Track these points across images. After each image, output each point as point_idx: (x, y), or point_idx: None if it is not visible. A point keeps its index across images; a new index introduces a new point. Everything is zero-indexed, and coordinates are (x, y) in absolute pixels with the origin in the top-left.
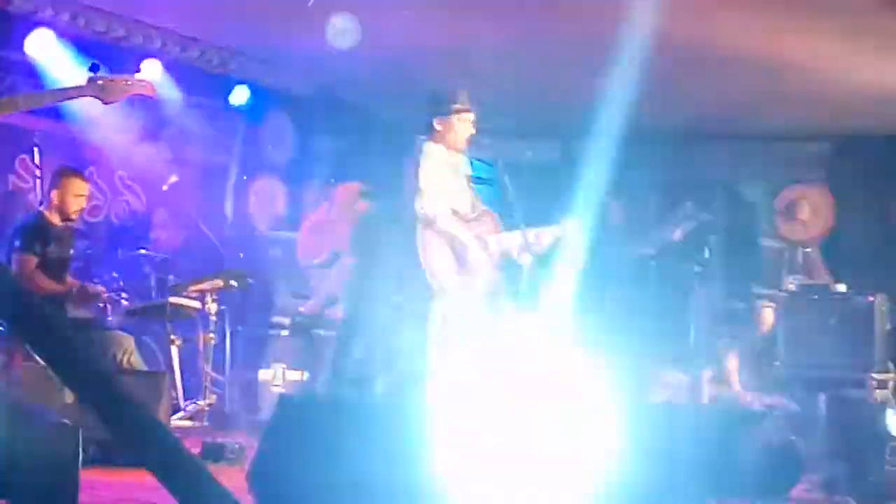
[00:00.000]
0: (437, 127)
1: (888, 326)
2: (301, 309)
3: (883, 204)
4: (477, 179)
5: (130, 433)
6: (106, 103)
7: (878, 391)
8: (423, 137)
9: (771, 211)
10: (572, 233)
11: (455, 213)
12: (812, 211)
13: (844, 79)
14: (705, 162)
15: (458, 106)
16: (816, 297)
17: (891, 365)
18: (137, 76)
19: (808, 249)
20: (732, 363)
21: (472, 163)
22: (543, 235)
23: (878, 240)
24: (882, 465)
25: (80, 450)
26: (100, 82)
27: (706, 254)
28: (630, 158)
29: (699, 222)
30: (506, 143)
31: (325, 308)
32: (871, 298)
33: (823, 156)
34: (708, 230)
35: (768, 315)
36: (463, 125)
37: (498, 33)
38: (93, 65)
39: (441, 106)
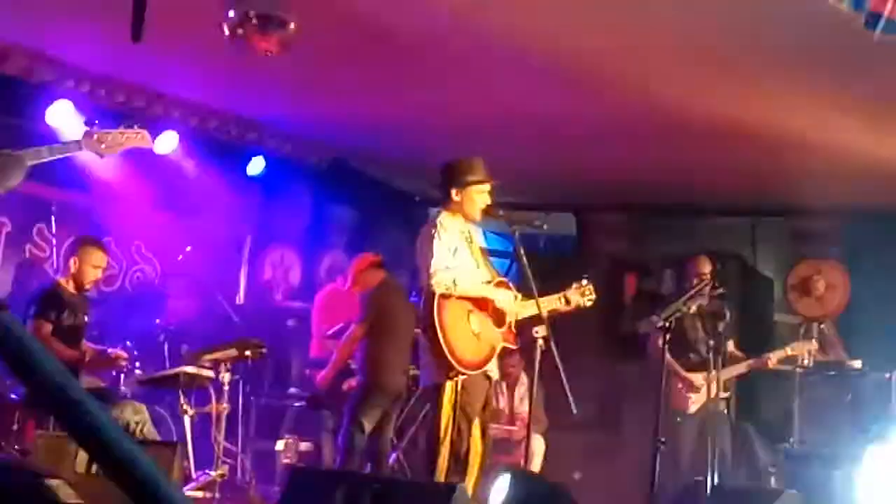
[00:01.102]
0: (455, 197)
1: None
2: (315, 380)
3: None
4: (493, 252)
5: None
6: (102, 156)
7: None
8: (437, 209)
9: (785, 286)
10: (588, 296)
11: None
12: (827, 286)
13: (860, 154)
14: (720, 235)
15: (475, 177)
16: (832, 373)
17: None
18: (134, 129)
19: (822, 325)
20: None
21: (486, 235)
22: (565, 299)
23: (894, 315)
24: None
25: None
26: (95, 136)
27: (720, 328)
28: (644, 231)
29: (713, 295)
30: (521, 215)
31: (340, 378)
32: (888, 376)
33: (838, 230)
34: (722, 303)
35: None
36: (480, 196)
37: (510, 107)
38: (87, 120)
39: (458, 176)
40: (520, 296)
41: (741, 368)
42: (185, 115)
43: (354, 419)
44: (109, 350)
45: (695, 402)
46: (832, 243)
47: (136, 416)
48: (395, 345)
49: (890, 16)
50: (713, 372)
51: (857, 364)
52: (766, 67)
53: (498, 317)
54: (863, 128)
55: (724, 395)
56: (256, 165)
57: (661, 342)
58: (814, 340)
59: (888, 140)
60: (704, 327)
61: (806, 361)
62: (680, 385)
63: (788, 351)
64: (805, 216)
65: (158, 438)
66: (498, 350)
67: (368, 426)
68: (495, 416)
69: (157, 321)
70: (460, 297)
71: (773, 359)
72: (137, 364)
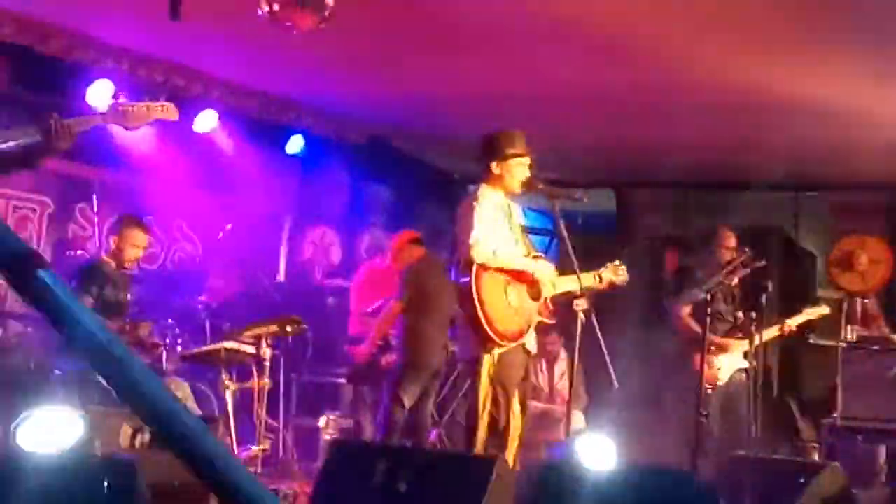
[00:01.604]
0: (495, 171)
1: None
2: (354, 356)
3: None
4: (532, 230)
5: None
6: (129, 129)
7: None
8: (474, 186)
9: (827, 261)
10: (623, 274)
11: None
12: (870, 261)
13: None
14: (763, 210)
15: (515, 150)
16: (876, 347)
17: None
18: (160, 101)
19: (866, 300)
20: None
21: (525, 213)
22: (599, 277)
23: None
24: None
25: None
26: (121, 108)
27: (763, 300)
28: (684, 207)
29: (755, 268)
30: (560, 189)
31: (379, 354)
32: None
33: (882, 205)
34: (764, 277)
35: None
36: (520, 168)
37: (549, 82)
38: (115, 93)
39: (498, 149)
40: (556, 273)
41: (765, 336)
42: (225, 94)
43: (394, 395)
44: (141, 325)
45: (722, 376)
46: (876, 217)
47: (179, 393)
48: (435, 321)
49: None
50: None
51: None
52: (809, 39)
53: (535, 291)
54: None
55: (743, 365)
56: (295, 144)
57: (686, 314)
58: (823, 305)
59: None
60: (734, 300)
61: (849, 336)
62: (713, 357)
63: (805, 316)
64: (848, 190)
65: (200, 414)
66: (534, 324)
67: (408, 402)
68: (535, 393)
69: (199, 299)
70: (498, 270)
71: (790, 324)
72: (179, 341)
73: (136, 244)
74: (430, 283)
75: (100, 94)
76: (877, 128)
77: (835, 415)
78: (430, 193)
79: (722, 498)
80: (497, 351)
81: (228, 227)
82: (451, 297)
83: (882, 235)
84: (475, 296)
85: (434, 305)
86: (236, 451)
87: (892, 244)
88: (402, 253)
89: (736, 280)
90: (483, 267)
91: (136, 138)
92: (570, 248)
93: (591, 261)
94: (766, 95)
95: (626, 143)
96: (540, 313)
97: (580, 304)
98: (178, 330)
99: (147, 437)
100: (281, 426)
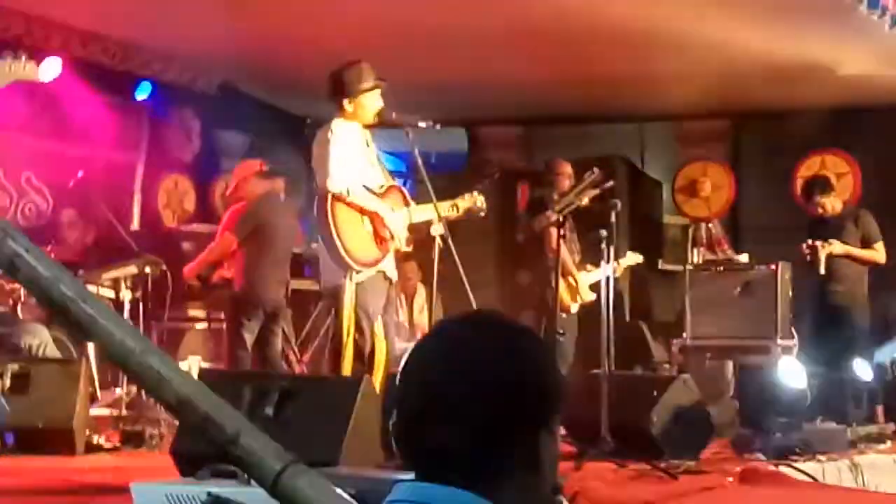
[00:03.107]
0: (347, 107)
1: (791, 294)
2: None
3: (782, 177)
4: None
5: None
6: None
7: (783, 356)
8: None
9: (673, 188)
10: (480, 204)
11: (365, 187)
12: (713, 187)
13: (742, 56)
14: (608, 141)
15: (365, 84)
16: (721, 268)
17: (794, 331)
18: (22, 60)
19: (710, 224)
20: None
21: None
22: (457, 205)
23: (778, 212)
24: (791, 424)
25: None
26: None
27: (612, 218)
28: (534, 142)
29: (604, 189)
30: (413, 118)
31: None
32: (773, 267)
33: (723, 132)
34: (612, 197)
35: None
36: (371, 101)
37: (395, 20)
38: None
39: (348, 86)
40: (413, 203)
41: (595, 276)
42: (67, 40)
43: (234, 333)
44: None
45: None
46: (717, 145)
47: (36, 339)
48: (272, 257)
49: None
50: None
51: (744, 258)
52: None
53: (387, 231)
54: (749, 28)
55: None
56: (144, 91)
57: (555, 236)
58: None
59: (774, 41)
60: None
61: (695, 260)
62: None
63: (626, 262)
64: (690, 119)
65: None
66: (392, 249)
67: (249, 339)
68: (397, 329)
69: (50, 250)
70: (350, 205)
71: (621, 266)
72: None
73: None
74: (271, 219)
75: None
76: (718, 57)
77: (684, 335)
78: (284, 139)
79: (580, 412)
80: (357, 277)
81: (80, 174)
82: (292, 234)
83: (724, 162)
84: (331, 223)
85: (272, 242)
86: (99, 396)
87: (733, 170)
88: (246, 184)
89: (586, 200)
90: (337, 197)
91: None
92: (425, 177)
93: (445, 199)
94: (606, 28)
95: (475, 80)
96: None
97: (437, 229)
98: None
99: (8, 381)
100: None
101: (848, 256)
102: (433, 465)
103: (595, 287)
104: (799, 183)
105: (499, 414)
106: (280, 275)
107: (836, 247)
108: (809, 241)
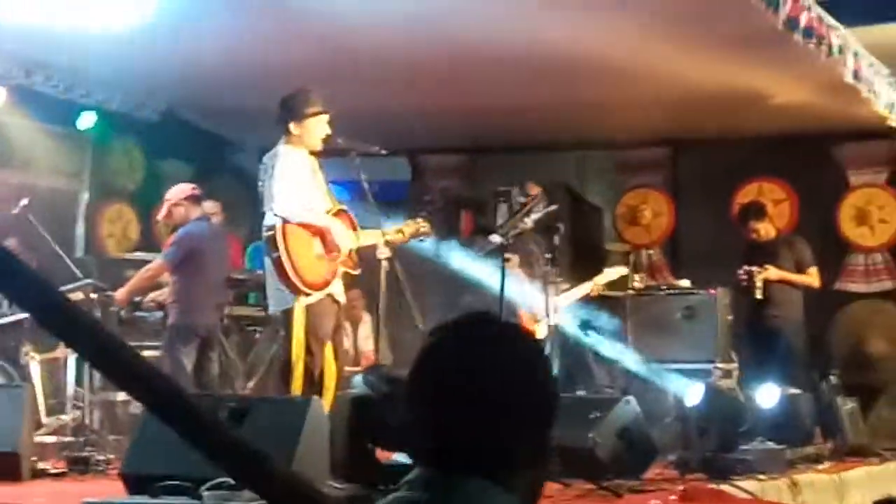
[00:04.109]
0: (294, 131)
1: (730, 318)
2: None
3: (720, 203)
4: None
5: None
6: None
7: (722, 380)
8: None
9: (614, 215)
10: (425, 228)
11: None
12: (653, 214)
13: (681, 84)
14: (548, 169)
15: (312, 109)
16: (661, 292)
17: (733, 355)
18: None
19: (650, 251)
20: None
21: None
22: (402, 230)
23: (718, 238)
24: (731, 445)
25: None
26: None
27: (556, 241)
28: (476, 170)
29: (548, 212)
30: (359, 143)
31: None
32: (712, 292)
33: (662, 159)
34: (556, 220)
35: None
36: (319, 126)
37: (340, 49)
38: None
39: (296, 110)
40: (359, 227)
41: (579, 293)
42: (11, 69)
43: (173, 359)
44: None
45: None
46: (656, 172)
47: None
48: (204, 282)
49: None
50: (552, 288)
51: (685, 283)
52: None
53: (336, 248)
54: (687, 57)
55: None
56: (88, 120)
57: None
58: (623, 267)
59: (708, 67)
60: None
61: (637, 285)
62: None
63: (607, 276)
64: (630, 147)
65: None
66: (340, 273)
67: (188, 364)
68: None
69: None
70: (300, 224)
71: (598, 284)
72: None
73: None
74: (202, 244)
75: None
76: (651, 84)
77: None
78: (226, 167)
79: None
80: (306, 301)
81: (23, 203)
82: (225, 258)
83: (663, 189)
84: (281, 246)
85: (205, 267)
86: (44, 420)
87: (673, 198)
88: (178, 209)
89: (530, 223)
90: (286, 221)
91: None
92: (371, 200)
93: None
94: (546, 57)
95: (417, 109)
96: (346, 265)
97: (383, 253)
98: None
99: None
100: (86, 395)
101: (783, 281)
102: (451, 460)
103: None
104: (736, 208)
105: (516, 410)
106: (214, 299)
107: (772, 272)
108: (745, 267)
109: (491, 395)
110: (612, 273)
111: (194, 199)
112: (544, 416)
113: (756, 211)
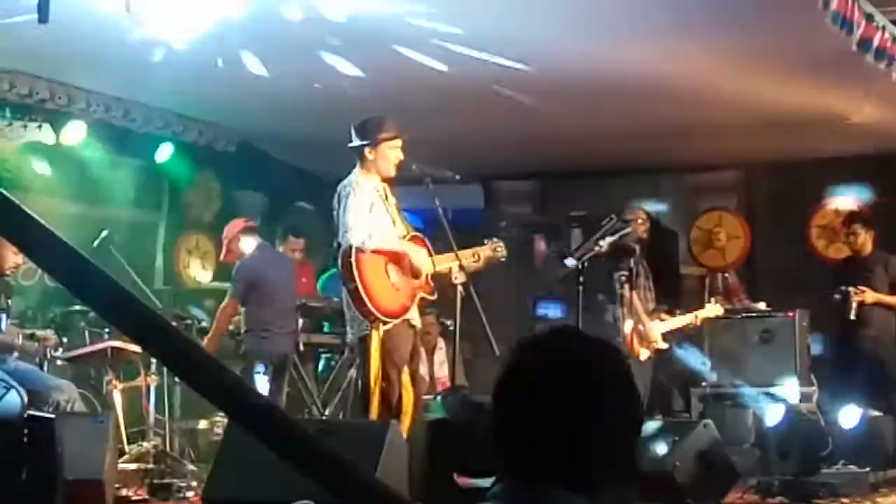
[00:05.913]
0: (369, 156)
1: (809, 341)
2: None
3: (795, 225)
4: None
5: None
6: None
7: (803, 403)
8: (351, 174)
9: (689, 239)
10: (500, 252)
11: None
12: (728, 237)
13: (752, 106)
14: (623, 193)
15: (386, 134)
16: (739, 316)
17: (813, 378)
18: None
19: (726, 274)
20: None
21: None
22: (477, 255)
23: (792, 261)
24: (813, 469)
25: None
26: None
27: (631, 264)
28: (549, 196)
29: (623, 235)
30: (432, 170)
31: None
32: (791, 314)
33: (736, 183)
34: (631, 242)
35: None
36: (392, 152)
37: (412, 77)
38: None
39: (370, 135)
40: (433, 253)
41: (680, 323)
42: (91, 104)
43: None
44: (38, 332)
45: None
46: (731, 195)
47: (64, 395)
48: (272, 310)
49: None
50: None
51: (762, 306)
52: (666, 23)
53: (414, 270)
54: (760, 80)
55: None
56: (165, 152)
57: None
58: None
59: (784, 91)
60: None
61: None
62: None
63: (706, 313)
64: (704, 170)
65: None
66: (417, 299)
67: (263, 391)
68: None
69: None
70: (376, 252)
71: (699, 318)
72: (60, 351)
73: (17, 251)
74: (261, 274)
75: None
76: (726, 107)
77: (703, 384)
78: (301, 196)
79: None
80: (383, 327)
81: (104, 234)
82: (290, 285)
83: (738, 212)
84: (356, 275)
85: (269, 295)
86: (127, 448)
87: (748, 220)
88: (233, 245)
89: (606, 247)
90: (360, 250)
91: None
92: (445, 225)
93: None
94: (621, 83)
95: (490, 136)
96: (423, 290)
97: (459, 278)
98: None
99: None
100: (167, 422)
101: (878, 303)
102: (538, 473)
103: (669, 336)
104: (841, 214)
105: (605, 421)
106: (284, 326)
107: (869, 295)
108: (842, 287)
109: (580, 407)
110: (713, 310)
111: (248, 231)
112: (632, 427)
113: (865, 218)
